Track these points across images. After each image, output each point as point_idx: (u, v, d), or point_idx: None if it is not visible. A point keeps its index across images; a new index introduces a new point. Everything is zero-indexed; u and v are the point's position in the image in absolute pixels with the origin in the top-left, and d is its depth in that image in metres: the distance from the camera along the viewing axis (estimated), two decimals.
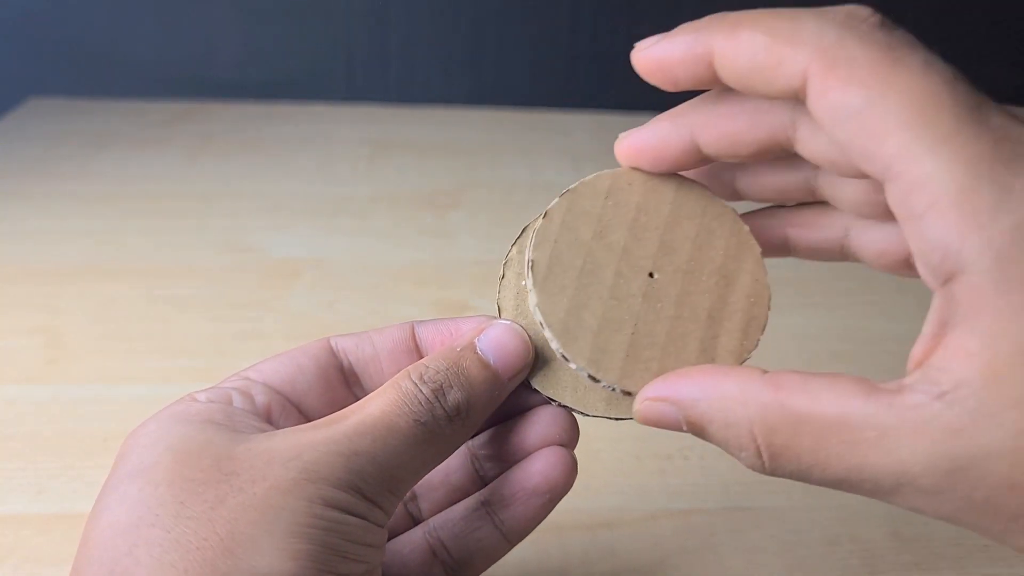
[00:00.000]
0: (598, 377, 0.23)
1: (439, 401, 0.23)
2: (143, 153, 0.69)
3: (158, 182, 0.64)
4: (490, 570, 0.29)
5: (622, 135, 0.25)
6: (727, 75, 0.21)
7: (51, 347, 0.43)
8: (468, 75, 0.87)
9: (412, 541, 0.26)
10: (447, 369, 0.23)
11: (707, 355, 0.24)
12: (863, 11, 0.20)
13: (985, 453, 0.17)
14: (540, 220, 0.25)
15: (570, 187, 0.25)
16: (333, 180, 0.66)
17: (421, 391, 0.23)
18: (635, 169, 0.26)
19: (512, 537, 0.26)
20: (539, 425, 0.26)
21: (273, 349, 0.42)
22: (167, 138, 0.73)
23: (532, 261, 0.24)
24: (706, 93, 0.24)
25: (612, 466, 0.35)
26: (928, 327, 0.18)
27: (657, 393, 0.22)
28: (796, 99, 0.20)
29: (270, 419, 0.24)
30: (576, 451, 0.36)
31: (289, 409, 0.25)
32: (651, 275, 0.25)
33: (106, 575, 0.19)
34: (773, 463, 0.19)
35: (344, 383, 0.26)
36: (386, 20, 0.84)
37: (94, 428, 0.37)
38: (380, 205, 0.62)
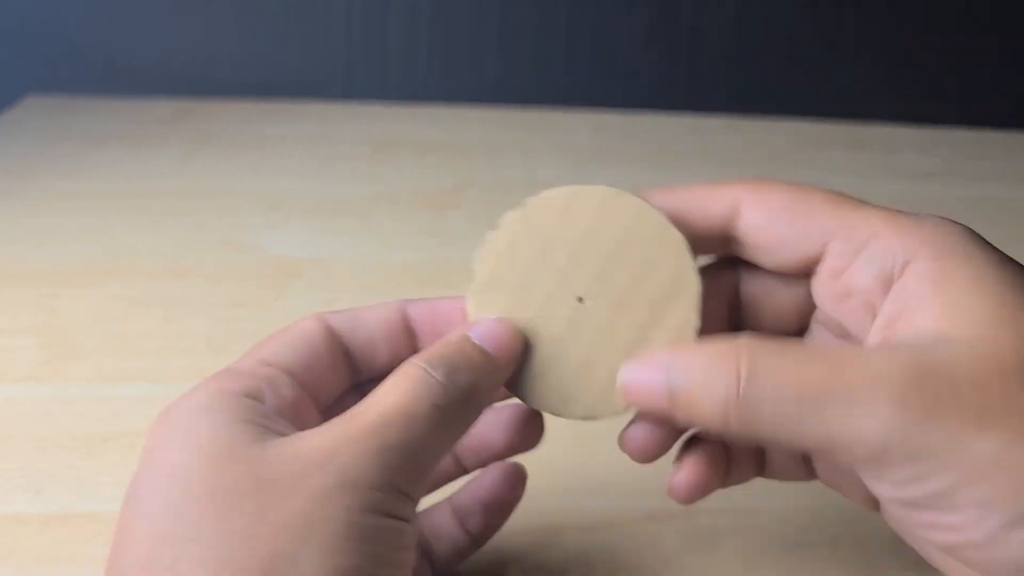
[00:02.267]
0: (508, 388, 0.25)
1: (452, 383, 0.23)
2: (142, 151, 0.69)
3: (157, 180, 0.64)
4: (490, 570, 0.29)
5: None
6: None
7: (49, 346, 0.42)
8: (468, 74, 0.87)
9: None
10: (452, 354, 0.24)
11: (614, 385, 0.25)
12: None
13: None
14: (492, 230, 0.26)
15: (527, 200, 0.26)
16: (332, 179, 0.66)
17: (433, 375, 0.23)
18: (598, 188, 0.26)
19: (480, 540, 0.29)
20: (501, 424, 0.28)
21: None
22: (166, 136, 0.73)
23: (473, 271, 0.26)
24: None
25: (610, 466, 0.35)
26: (881, 320, 0.23)
27: (645, 360, 0.24)
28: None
29: (297, 415, 0.24)
30: (574, 452, 0.36)
31: (308, 402, 0.25)
32: (580, 300, 0.25)
33: None
34: (749, 387, 0.21)
35: (347, 367, 0.27)
36: (386, 18, 0.84)
37: (93, 428, 0.37)
38: (380, 204, 0.62)
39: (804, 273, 0.25)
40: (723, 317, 0.27)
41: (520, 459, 0.35)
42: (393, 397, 0.22)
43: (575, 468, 0.35)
